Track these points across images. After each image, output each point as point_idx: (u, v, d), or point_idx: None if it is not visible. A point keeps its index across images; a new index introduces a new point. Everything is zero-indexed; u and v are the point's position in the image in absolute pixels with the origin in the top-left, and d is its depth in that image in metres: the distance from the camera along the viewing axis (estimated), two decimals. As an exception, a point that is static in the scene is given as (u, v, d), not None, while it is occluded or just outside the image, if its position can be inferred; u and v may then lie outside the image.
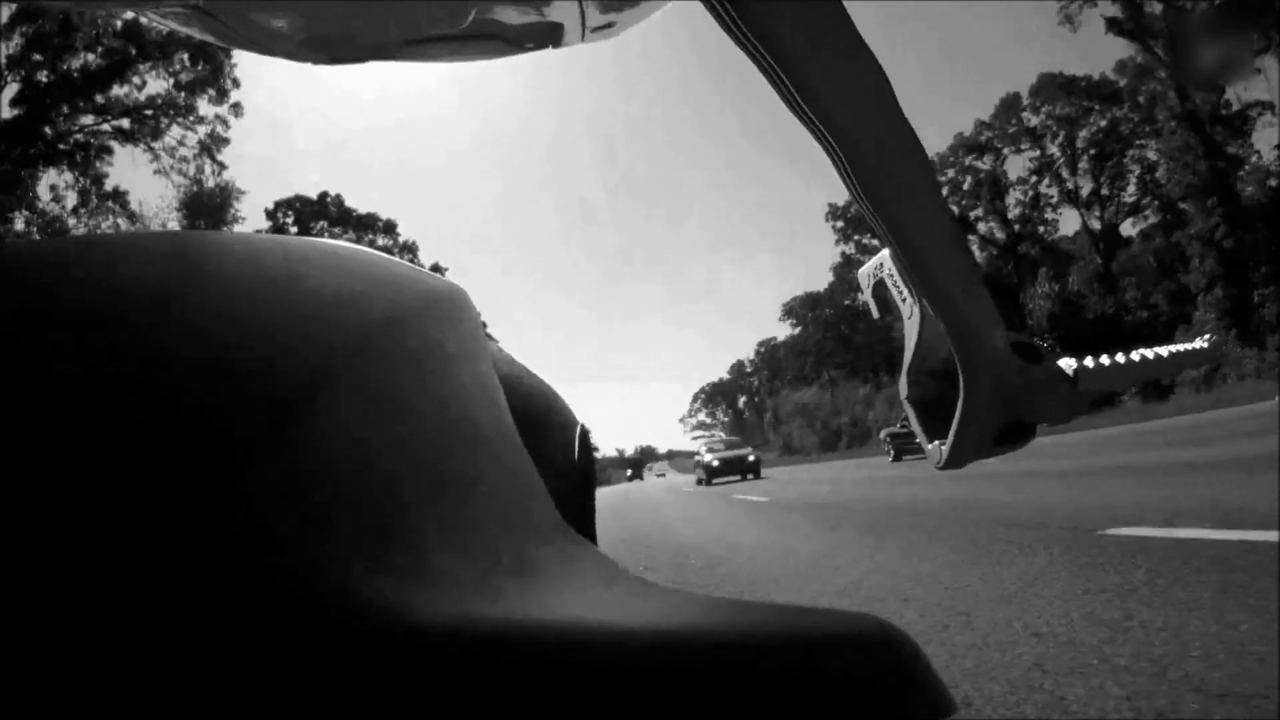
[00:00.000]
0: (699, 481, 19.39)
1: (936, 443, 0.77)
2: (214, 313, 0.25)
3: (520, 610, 0.23)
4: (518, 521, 0.28)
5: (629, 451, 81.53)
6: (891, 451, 17.25)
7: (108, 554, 0.19)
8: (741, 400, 55.34)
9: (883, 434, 18.25)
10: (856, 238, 40.76)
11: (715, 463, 18.79)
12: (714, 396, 62.10)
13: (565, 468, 0.49)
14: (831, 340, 38.07)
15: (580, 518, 0.48)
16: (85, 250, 0.29)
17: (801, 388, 40.24)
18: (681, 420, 68.33)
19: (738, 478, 18.71)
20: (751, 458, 19.32)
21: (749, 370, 52.58)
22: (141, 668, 0.18)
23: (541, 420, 0.48)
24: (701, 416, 64.22)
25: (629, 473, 54.78)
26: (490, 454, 0.30)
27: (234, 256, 0.30)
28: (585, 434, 0.55)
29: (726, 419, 58.63)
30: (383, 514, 0.23)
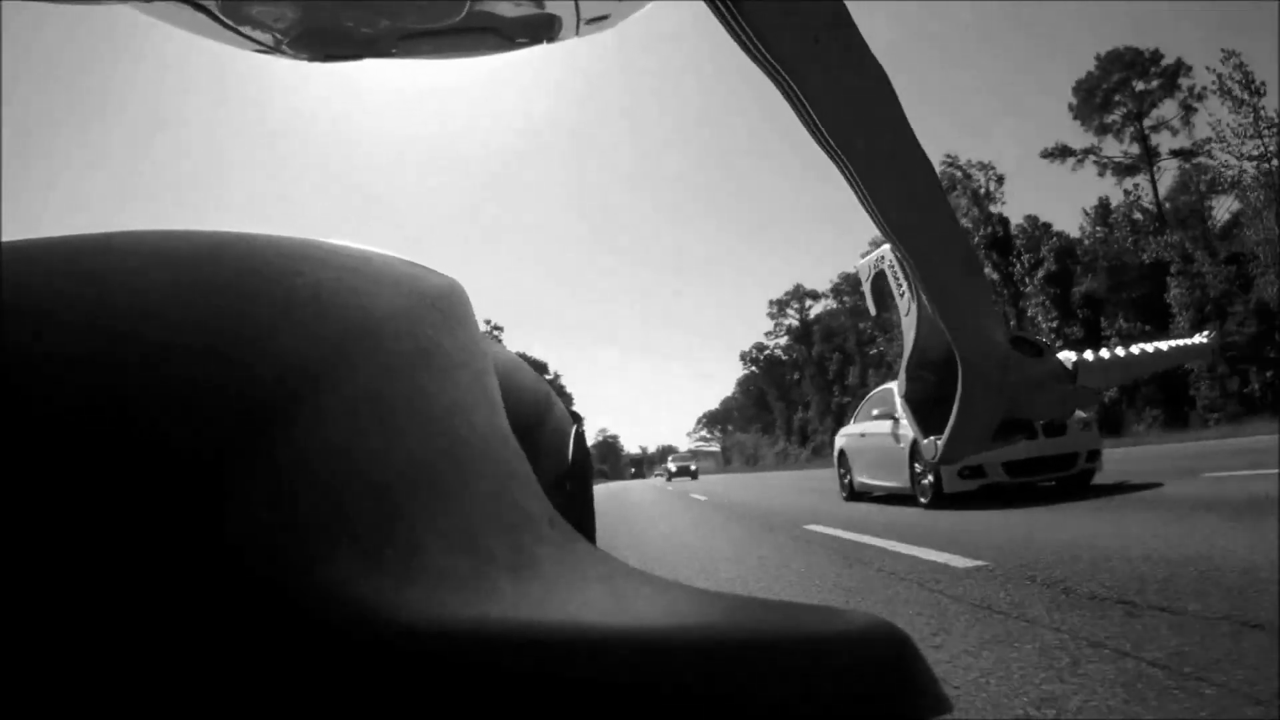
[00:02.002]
0: (666, 479, 35.11)
1: (932, 438, 0.77)
2: (210, 313, 0.25)
3: (516, 609, 0.23)
4: (513, 519, 0.28)
5: (651, 449, 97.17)
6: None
7: (103, 554, 0.19)
8: (730, 426, 71.69)
9: None
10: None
11: (673, 468, 35.26)
12: (711, 420, 78.50)
13: (562, 465, 0.49)
14: (755, 406, 55.37)
15: (578, 514, 0.48)
16: (83, 250, 0.29)
17: (743, 431, 59.56)
18: (688, 434, 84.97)
19: (688, 479, 34.14)
20: (693, 467, 35.80)
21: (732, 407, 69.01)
22: (136, 667, 0.18)
23: (539, 418, 0.48)
24: (703, 432, 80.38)
25: (631, 470, 70.54)
26: (485, 453, 0.30)
27: (233, 255, 0.30)
28: (582, 432, 0.55)
29: (721, 435, 75.10)
30: (376, 514, 0.23)
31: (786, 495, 10.27)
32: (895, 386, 1.31)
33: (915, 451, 6.08)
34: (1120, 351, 0.80)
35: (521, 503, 0.30)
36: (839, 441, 8.25)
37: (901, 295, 0.81)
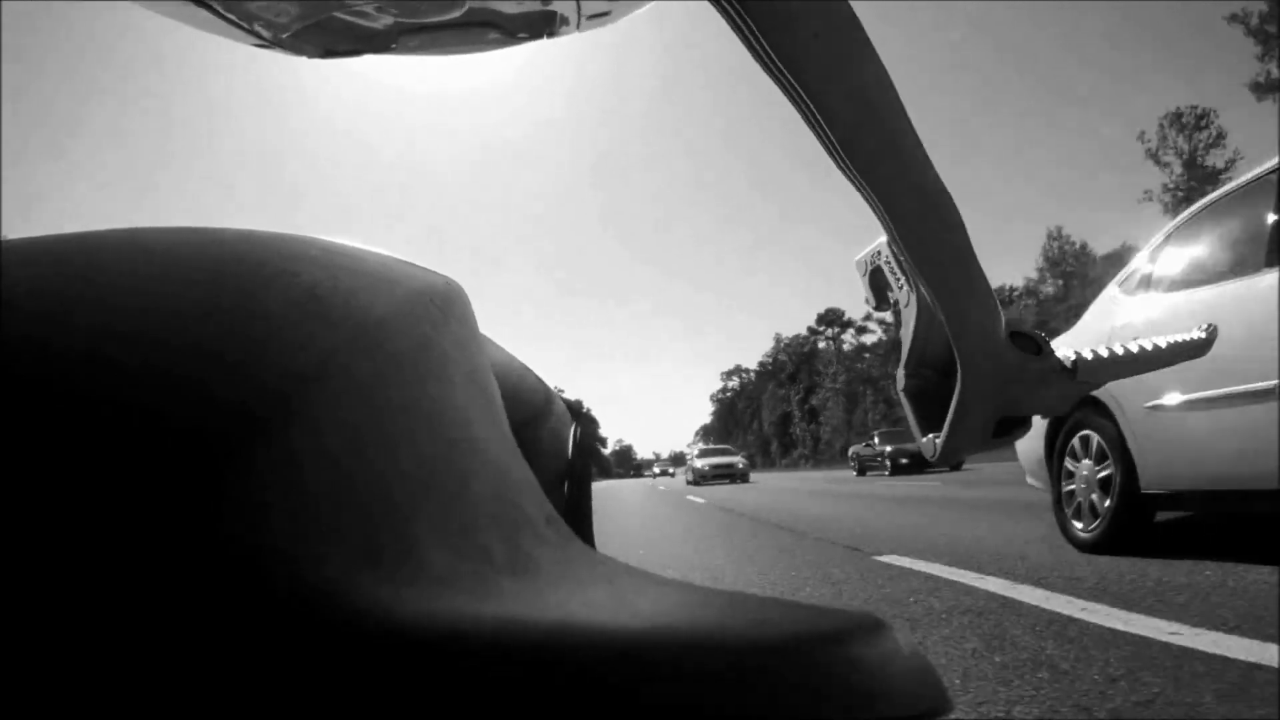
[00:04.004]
0: (652, 479, 47.33)
1: (931, 436, 0.77)
2: (207, 311, 0.25)
3: (515, 609, 0.23)
4: (512, 519, 0.28)
5: (664, 454, 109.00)
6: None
7: (100, 555, 0.18)
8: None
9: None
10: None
11: (657, 471, 50.36)
12: (706, 432, 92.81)
13: (561, 464, 0.49)
14: (723, 426, 71.17)
15: (577, 514, 0.48)
16: (81, 248, 0.29)
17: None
18: (688, 446, 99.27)
19: (668, 478, 46.67)
20: (671, 470, 49.93)
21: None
22: (134, 667, 0.18)
23: (538, 417, 0.48)
24: (701, 444, 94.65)
25: (631, 472, 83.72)
26: (483, 452, 0.30)
27: (229, 253, 0.29)
28: (581, 431, 0.56)
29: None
30: (374, 513, 0.23)
31: (691, 486, 22.11)
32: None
33: (689, 466, 23.47)
34: (1119, 348, 0.79)
35: (520, 503, 0.30)
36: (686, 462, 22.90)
37: (900, 289, 0.81)
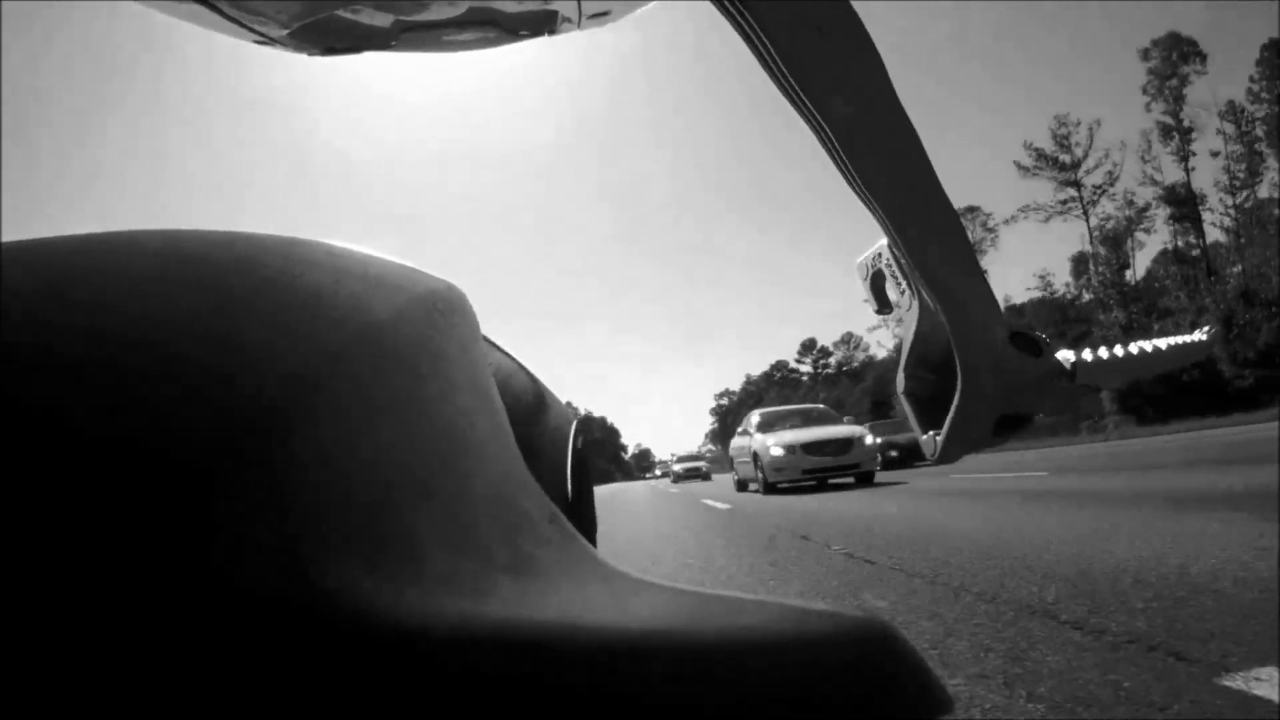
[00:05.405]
0: (654, 480, 49.06)
1: (931, 434, 0.78)
2: (210, 314, 0.25)
3: (516, 609, 0.23)
4: (513, 520, 0.28)
5: (681, 453, 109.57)
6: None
7: (106, 555, 0.19)
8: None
9: None
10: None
11: (658, 473, 53.86)
12: (714, 436, 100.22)
13: (562, 465, 0.50)
14: (723, 434, 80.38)
15: (577, 515, 0.49)
16: (83, 250, 0.29)
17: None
18: (699, 446, 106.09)
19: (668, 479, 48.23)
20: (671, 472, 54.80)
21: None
22: (140, 668, 0.18)
23: (538, 419, 0.48)
24: (710, 445, 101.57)
25: (640, 474, 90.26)
26: (484, 454, 0.30)
27: (232, 257, 0.30)
28: (581, 432, 0.56)
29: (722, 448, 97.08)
30: (376, 515, 0.23)
31: (687, 483, 24.47)
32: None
33: (670, 469, 35.75)
34: (1119, 351, 0.80)
35: (521, 503, 0.30)
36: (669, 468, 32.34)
37: (902, 293, 0.82)
